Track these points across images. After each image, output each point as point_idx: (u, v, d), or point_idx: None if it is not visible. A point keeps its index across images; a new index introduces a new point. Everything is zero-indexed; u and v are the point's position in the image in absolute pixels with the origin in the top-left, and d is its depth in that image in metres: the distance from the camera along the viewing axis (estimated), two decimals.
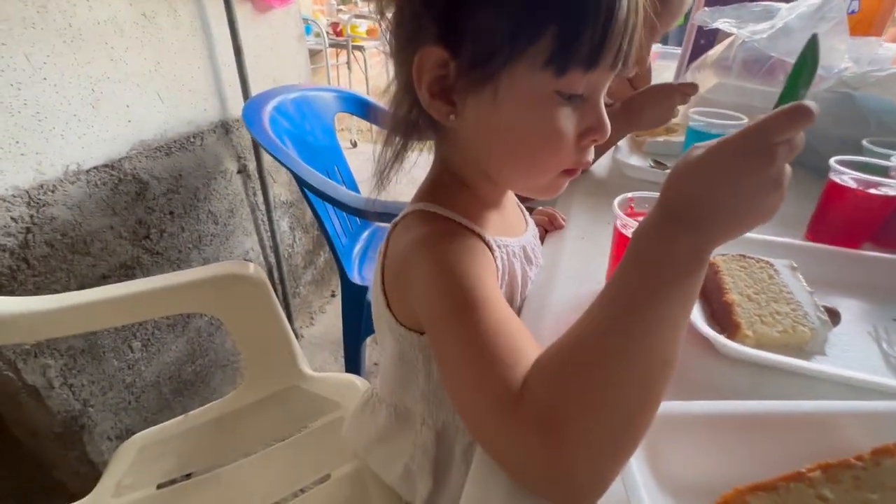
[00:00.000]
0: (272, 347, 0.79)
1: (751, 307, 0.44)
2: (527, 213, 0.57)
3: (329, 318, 1.75)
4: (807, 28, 0.75)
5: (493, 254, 0.41)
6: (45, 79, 0.81)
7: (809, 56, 0.29)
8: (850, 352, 0.44)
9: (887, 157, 0.62)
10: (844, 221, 0.59)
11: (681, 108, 0.95)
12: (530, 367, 0.29)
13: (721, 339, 0.41)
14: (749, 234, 0.55)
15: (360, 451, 0.58)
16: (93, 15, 0.87)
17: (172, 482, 0.69)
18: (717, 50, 0.94)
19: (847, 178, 0.57)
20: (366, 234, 1.35)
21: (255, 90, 1.24)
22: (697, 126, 0.69)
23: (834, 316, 0.45)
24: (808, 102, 0.26)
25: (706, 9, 0.89)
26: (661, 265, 0.27)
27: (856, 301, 0.52)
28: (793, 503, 0.27)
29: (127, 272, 1.00)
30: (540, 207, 0.67)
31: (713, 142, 0.28)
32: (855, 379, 0.37)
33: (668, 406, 0.30)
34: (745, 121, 0.70)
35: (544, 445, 0.26)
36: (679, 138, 0.81)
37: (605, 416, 0.26)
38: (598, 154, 0.78)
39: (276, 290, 1.53)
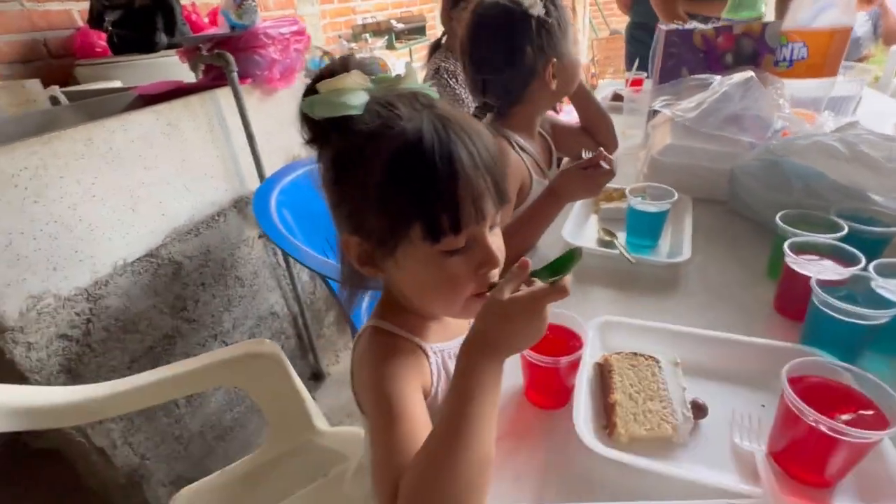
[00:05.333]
0: (290, 409, 0.93)
1: (629, 406, 0.51)
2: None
3: None
4: (729, 106, 0.83)
5: (428, 360, 0.53)
6: (94, 196, 0.99)
7: (576, 257, 0.42)
8: (709, 443, 0.48)
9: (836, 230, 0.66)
10: (801, 300, 0.60)
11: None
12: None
13: (587, 438, 0.47)
14: (649, 323, 0.63)
15: None
16: (127, 136, 1.05)
17: None
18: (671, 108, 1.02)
19: (796, 265, 0.62)
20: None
21: (268, 164, 1.40)
22: (635, 204, 0.78)
23: (699, 410, 0.50)
24: (567, 283, 0.41)
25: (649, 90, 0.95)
26: (476, 381, 0.39)
27: (731, 388, 0.55)
28: None
29: (169, 341, 1.18)
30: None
31: (513, 295, 0.41)
32: (687, 478, 0.44)
33: None
34: (675, 198, 0.78)
35: None
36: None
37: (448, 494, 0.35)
38: None
39: (301, 335, 1.69)
